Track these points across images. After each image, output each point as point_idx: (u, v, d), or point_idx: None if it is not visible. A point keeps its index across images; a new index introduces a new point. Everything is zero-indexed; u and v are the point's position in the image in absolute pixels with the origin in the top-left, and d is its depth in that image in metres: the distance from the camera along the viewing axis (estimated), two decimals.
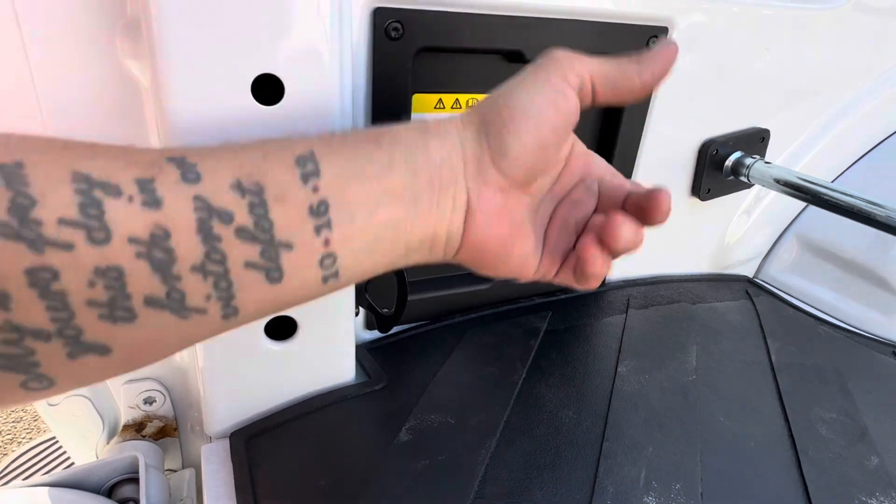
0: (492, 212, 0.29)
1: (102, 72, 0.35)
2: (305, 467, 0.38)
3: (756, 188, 0.66)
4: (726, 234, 0.69)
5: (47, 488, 0.44)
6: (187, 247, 0.21)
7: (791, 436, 0.44)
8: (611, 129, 0.53)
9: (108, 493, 0.48)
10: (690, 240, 0.67)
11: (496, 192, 0.29)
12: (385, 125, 0.28)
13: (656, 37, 0.49)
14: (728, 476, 0.40)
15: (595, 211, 0.33)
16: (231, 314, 0.24)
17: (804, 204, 0.70)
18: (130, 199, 0.20)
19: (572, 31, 0.45)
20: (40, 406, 0.55)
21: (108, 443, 0.56)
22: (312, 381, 0.44)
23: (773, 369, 0.52)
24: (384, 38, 0.39)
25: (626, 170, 0.55)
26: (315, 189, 0.24)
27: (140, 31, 0.32)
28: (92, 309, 0.20)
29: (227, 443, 0.40)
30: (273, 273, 0.24)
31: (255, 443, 0.40)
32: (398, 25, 0.39)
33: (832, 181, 0.71)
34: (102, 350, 0.21)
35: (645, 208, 0.30)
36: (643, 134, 0.54)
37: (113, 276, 0.20)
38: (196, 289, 0.22)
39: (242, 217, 0.23)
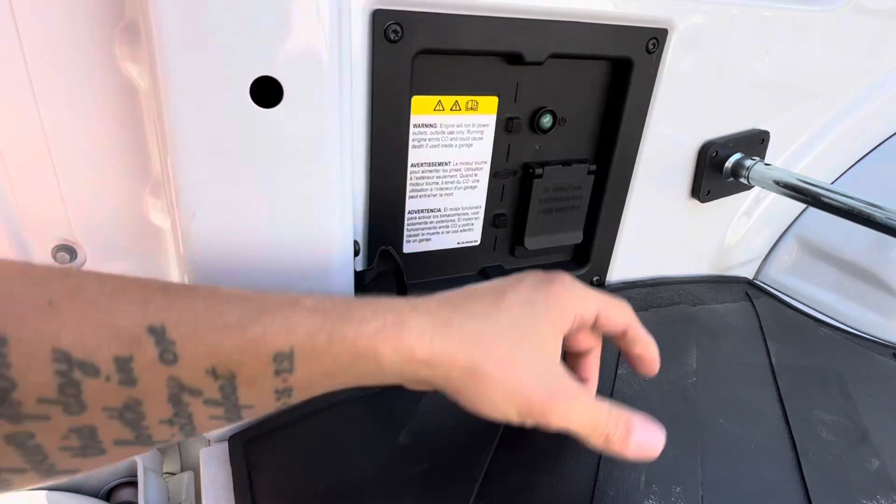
0: None
1: (100, 74, 0.35)
2: (304, 471, 0.38)
3: (756, 190, 0.66)
4: (726, 235, 0.69)
5: (45, 492, 0.44)
6: (157, 409, 0.23)
7: (791, 438, 0.44)
8: (610, 130, 0.53)
9: (107, 496, 0.48)
10: (690, 241, 0.67)
11: None
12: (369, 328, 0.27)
13: (656, 39, 0.49)
14: (728, 479, 0.40)
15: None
16: (190, 434, 0.26)
17: (804, 205, 0.70)
18: (108, 378, 0.21)
19: (571, 33, 0.45)
20: None
21: None
22: None
23: (773, 371, 0.52)
24: (383, 40, 0.39)
25: (626, 172, 0.55)
26: (284, 380, 0.25)
27: (139, 34, 0.32)
28: (65, 452, 0.22)
29: (225, 446, 0.40)
30: (233, 417, 0.26)
31: (253, 446, 0.40)
32: (397, 27, 0.39)
33: (832, 183, 0.71)
34: (73, 472, 0.24)
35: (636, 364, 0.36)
36: (643, 135, 0.54)
37: (85, 433, 0.22)
38: (163, 432, 0.24)
39: (212, 393, 0.24)
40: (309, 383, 0.26)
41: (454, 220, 0.52)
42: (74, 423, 0.21)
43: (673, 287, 0.65)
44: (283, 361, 0.24)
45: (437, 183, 0.49)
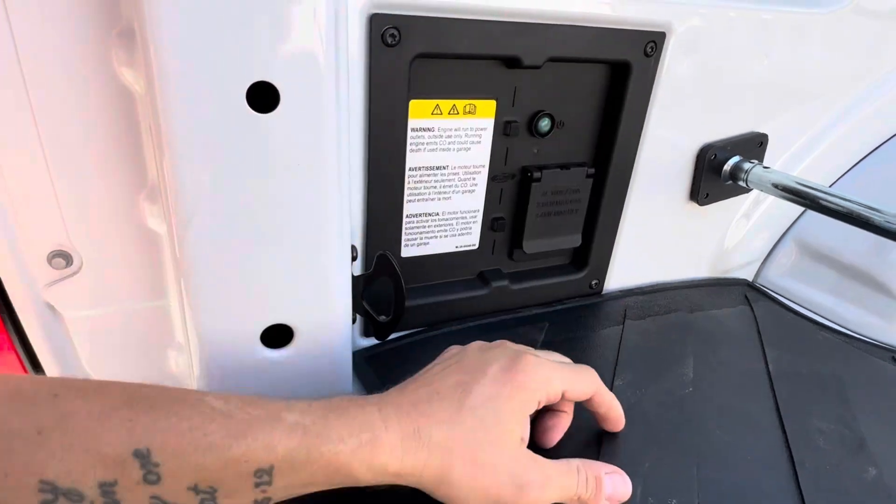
0: None
1: (96, 80, 0.35)
2: None
3: (755, 192, 0.66)
4: (725, 238, 0.69)
5: None
6: None
7: (788, 447, 0.44)
8: (608, 134, 0.53)
9: None
10: (689, 244, 0.67)
11: None
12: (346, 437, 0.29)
13: (654, 42, 0.48)
14: (725, 490, 0.39)
15: None
16: None
17: (802, 208, 0.70)
18: (92, 502, 0.23)
19: (569, 37, 0.45)
20: None
21: None
22: (309, 388, 0.43)
23: (770, 379, 0.52)
24: (381, 44, 0.39)
25: (624, 175, 0.55)
26: (263, 491, 0.27)
27: (135, 39, 0.32)
28: None
29: None
30: None
31: None
32: (395, 32, 0.39)
33: (830, 186, 0.71)
34: None
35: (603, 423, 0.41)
36: (641, 139, 0.54)
37: None
38: None
39: None
40: (287, 492, 0.28)
41: (452, 224, 0.51)
42: None
43: (670, 293, 0.65)
44: (264, 476, 0.26)
45: (436, 187, 0.49)
